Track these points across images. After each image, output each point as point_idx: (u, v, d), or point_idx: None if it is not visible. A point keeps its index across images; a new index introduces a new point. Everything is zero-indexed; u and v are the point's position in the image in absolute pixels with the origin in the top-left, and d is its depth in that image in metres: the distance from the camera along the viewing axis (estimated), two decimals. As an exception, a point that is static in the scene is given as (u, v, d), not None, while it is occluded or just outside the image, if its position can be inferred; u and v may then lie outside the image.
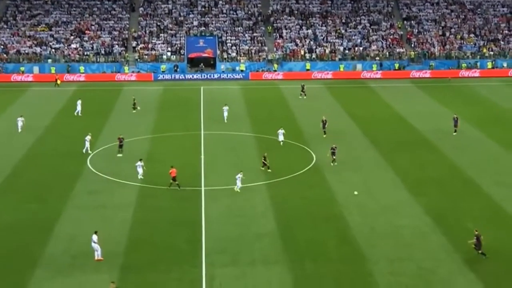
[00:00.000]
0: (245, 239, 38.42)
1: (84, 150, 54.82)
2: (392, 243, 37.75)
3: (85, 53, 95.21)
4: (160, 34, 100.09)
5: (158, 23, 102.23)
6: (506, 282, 33.48)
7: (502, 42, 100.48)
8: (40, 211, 42.83)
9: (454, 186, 47.45)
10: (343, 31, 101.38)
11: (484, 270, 34.54)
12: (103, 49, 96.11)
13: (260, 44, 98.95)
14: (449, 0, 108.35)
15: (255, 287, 32.87)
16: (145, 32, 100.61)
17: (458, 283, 33.34)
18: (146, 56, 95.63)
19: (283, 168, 50.93)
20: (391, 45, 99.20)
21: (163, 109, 73.58)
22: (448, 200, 44.68)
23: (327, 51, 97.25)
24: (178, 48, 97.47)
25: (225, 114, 66.07)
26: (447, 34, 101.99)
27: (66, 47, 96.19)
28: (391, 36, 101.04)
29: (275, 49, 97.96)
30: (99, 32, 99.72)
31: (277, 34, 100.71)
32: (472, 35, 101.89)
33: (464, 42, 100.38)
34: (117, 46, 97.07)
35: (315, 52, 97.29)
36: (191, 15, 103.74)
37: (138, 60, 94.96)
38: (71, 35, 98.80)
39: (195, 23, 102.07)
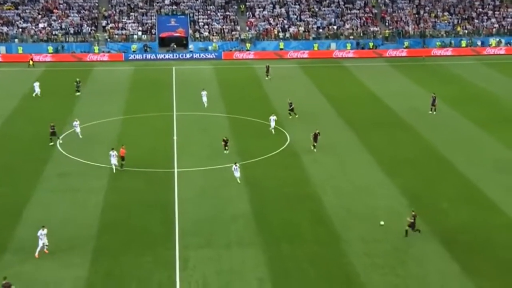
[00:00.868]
0: (219, 221, 37.95)
1: (80, 136, 52.86)
2: (367, 224, 37.56)
3: (54, 33, 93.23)
4: (131, 13, 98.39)
5: (128, 2, 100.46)
6: (480, 261, 33.49)
7: (476, 21, 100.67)
8: (9, 195, 41.82)
9: (429, 166, 47.37)
10: (317, 10, 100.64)
11: (459, 250, 34.55)
12: (72, 29, 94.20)
13: (232, 23, 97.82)
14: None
15: (229, 269, 32.49)
16: (115, 11, 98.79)
17: (433, 263, 33.27)
18: (117, 36, 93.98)
19: (257, 149, 50.40)
20: (365, 24, 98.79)
21: (135, 90, 72.42)
22: (423, 180, 44.58)
23: (300, 30, 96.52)
24: (149, 27, 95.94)
25: (204, 99, 63.36)
26: (421, 12, 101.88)
27: (33, 27, 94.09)
28: (366, 15, 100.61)
29: (248, 28, 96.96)
30: (67, 11, 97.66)
31: (250, 13, 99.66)
32: (446, 13, 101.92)
33: (438, 21, 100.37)
34: (86, 25, 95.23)
35: (289, 31, 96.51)
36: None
37: (108, 40, 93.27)
38: (39, 14, 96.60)
39: (167, 1, 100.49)
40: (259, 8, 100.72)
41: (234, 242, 35.36)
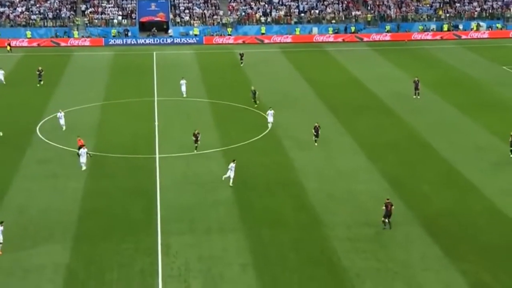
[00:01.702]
0: (201, 207, 37.71)
1: (64, 128, 51.16)
2: (350, 209, 37.55)
3: (32, 17, 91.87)
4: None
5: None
6: (462, 244, 33.60)
7: (458, 4, 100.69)
8: (-13, 182, 41.22)
9: (411, 150, 47.42)
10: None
11: (440, 233, 34.64)
12: (51, 13, 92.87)
13: (214, 8, 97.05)
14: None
15: (212, 255, 32.30)
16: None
17: (415, 247, 33.33)
18: (96, 21, 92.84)
19: (239, 134, 50.14)
20: (347, 8, 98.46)
21: (115, 75, 71.70)
22: (405, 164, 44.62)
23: (281, 14, 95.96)
24: (129, 12, 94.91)
25: (183, 88, 61.43)
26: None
27: (11, 11, 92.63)
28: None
29: (229, 12, 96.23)
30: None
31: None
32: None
33: (420, 4, 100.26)
34: (65, 10, 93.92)
35: (270, 15, 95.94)
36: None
37: (88, 24, 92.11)
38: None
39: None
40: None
41: (216, 228, 35.15)
